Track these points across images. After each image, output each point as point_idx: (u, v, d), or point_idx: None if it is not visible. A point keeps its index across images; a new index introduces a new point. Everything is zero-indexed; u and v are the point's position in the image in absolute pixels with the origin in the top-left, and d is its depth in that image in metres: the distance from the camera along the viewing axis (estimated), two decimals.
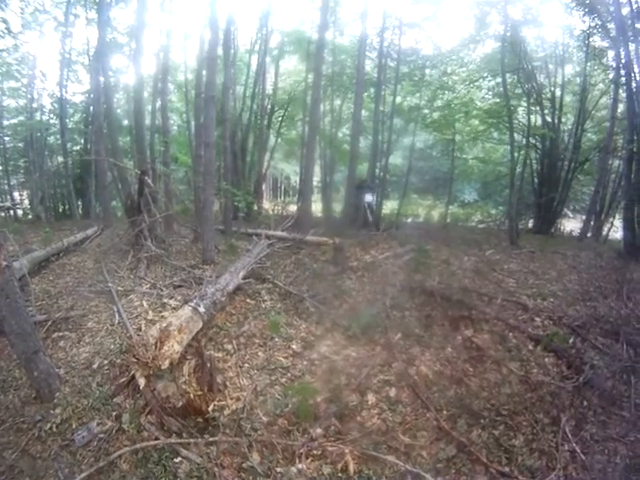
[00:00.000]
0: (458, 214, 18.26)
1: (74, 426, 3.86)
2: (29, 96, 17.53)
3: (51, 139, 18.35)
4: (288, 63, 19.84)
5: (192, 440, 3.56)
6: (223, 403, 4.04)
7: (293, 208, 17.77)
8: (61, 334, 5.46)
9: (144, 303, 6.16)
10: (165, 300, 6.26)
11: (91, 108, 16.56)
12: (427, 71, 17.60)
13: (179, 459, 3.43)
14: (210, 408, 3.85)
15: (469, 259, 9.23)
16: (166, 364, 3.88)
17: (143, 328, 5.27)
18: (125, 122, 17.31)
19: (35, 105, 17.72)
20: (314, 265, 8.43)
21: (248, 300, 6.51)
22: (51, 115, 18.14)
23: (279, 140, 20.09)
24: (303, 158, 15.91)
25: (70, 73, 17.47)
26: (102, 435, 3.73)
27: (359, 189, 14.78)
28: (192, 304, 5.04)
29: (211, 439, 3.59)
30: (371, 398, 4.28)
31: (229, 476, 3.30)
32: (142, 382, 3.91)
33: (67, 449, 3.66)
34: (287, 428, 3.80)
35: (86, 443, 3.68)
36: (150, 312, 5.85)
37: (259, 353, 5.07)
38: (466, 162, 18.60)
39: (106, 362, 4.71)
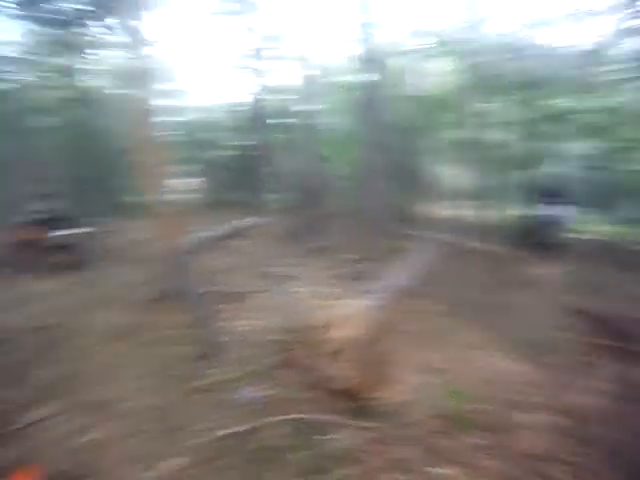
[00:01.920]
0: None
1: (234, 387, 4.32)
2: None
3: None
4: None
5: (345, 422, 3.76)
6: (383, 394, 4.16)
7: (454, 212, 17.13)
8: (231, 306, 6.08)
9: (311, 289, 6.56)
10: (332, 289, 6.57)
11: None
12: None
13: (328, 437, 3.64)
14: (369, 396, 3.99)
15: None
16: (334, 348, 4.12)
17: (311, 311, 5.48)
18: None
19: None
20: (483, 273, 8.25)
21: (414, 300, 6.55)
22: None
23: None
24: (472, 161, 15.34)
25: None
26: (260, 400, 4.11)
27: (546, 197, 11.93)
28: (363, 296, 5.27)
29: (364, 425, 3.75)
30: (523, 418, 4.15)
31: (377, 461, 3.41)
32: (308, 361, 4.24)
33: (224, 405, 4.10)
34: (440, 430, 3.83)
35: (244, 403, 4.08)
36: (317, 298, 6.18)
37: (422, 353, 5.16)
38: None
39: (271, 337, 5.17)
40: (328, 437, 3.65)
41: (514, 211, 13.86)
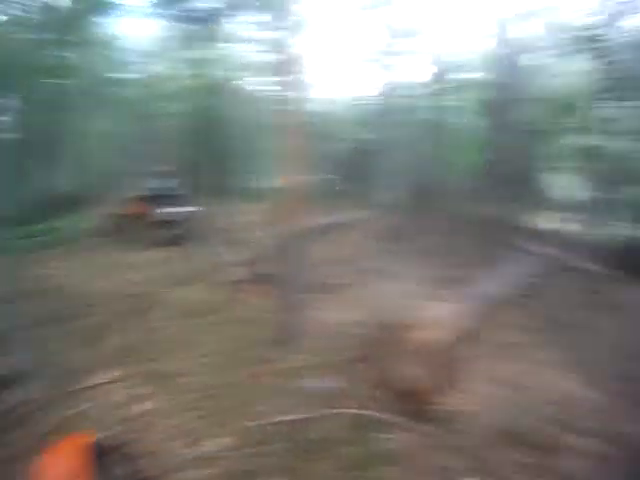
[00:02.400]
0: None
1: (305, 374, 4.31)
2: None
3: None
4: None
5: (402, 423, 3.63)
6: (451, 401, 3.97)
7: (562, 225, 15.66)
8: (321, 296, 6.07)
9: (403, 288, 6.36)
10: (424, 290, 6.30)
11: None
12: None
13: (382, 435, 3.54)
14: (437, 401, 3.84)
15: None
16: (414, 348, 3.95)
17: (397, 310, 5.26)
18: None
19: None
20: (577, 292, 7.48)
21: (502, 311, 6.15)
22: None
23: None
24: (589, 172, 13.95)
25: None
26: (324, 391, 4.06)
27: None
28: (452, 301, 5.08)
29: (419, 428, 3.60)
30: (576, 442, 3.68)
31: (421, 466, 3.27)
32: (382, 358, 4.10)
33: (287, 392, 4.08)
34: (491, 443, 3.57)
35: (313, 392, 4.05)
36: (407, 298, 5.84)
37: (496, 364, 4.84)
38: None
39: (354, 331, 5.10)
40: (381, 435, 3.56)
41: (622, 230, 12.63)
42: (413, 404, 3.77)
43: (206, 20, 13.20)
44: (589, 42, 12.51)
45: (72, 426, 3.63)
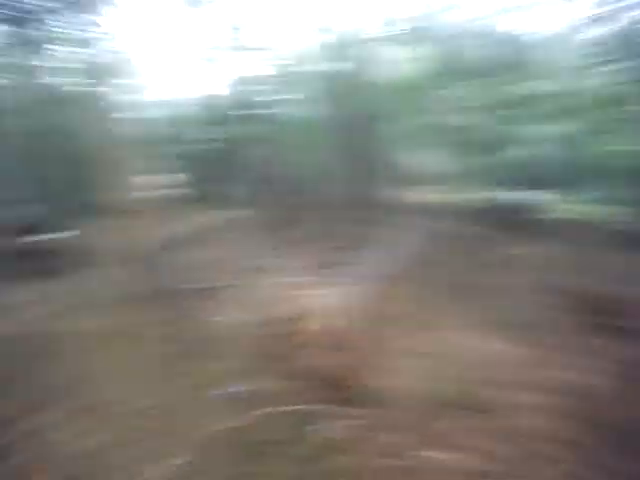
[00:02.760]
0: None
1: (227, 381, 4.27)
2: None
3: None
4: None
5: (336, 411, 3.72)
6: (376, 382, 4.13)
7: (426, 197, 17.18)
8: (213, 301, 6.06)
9: (290, 280, 6.49)
10: (311, 279, 6.48)
11: None
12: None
13: (325, 426, 3.60)
14: (357, 384, 3.98)
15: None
16: (323, 336, 4.15)
17: (292, 302, 5.49)
18: None
19: None
20: (461, 256, 8.29)
21: (396, 286, 6.55)
22: None
23: None
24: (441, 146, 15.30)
25: None
26: (248, 393, 4.07)
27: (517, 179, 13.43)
28: (343, 284, 5.32)
29: (354, 413, 3.71)
30: (518, 399, 4.09)
31: (370, 448, 3.38)
32: (295, 350, 4.22)
33: (214, 400, 4.05)
34: (433, 414, 3.80)
35: (232, 399, 4.02)
36: (297, 289, 6.04)
37: (408, 337, 5.14)
38: None
39: (258, 330, 5.11)
40: (320, 427, 3.61)
41: (485, 194, 13.99)
42: (340, 392, 3.89)
43: (28, 20, 11.23)
44: (424, 31, 13.68)
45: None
